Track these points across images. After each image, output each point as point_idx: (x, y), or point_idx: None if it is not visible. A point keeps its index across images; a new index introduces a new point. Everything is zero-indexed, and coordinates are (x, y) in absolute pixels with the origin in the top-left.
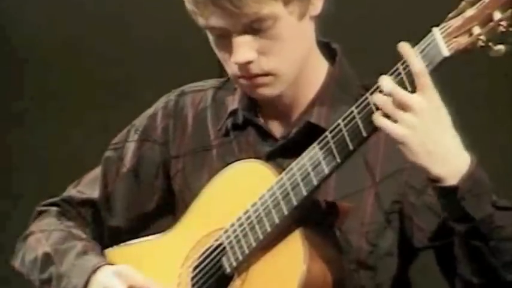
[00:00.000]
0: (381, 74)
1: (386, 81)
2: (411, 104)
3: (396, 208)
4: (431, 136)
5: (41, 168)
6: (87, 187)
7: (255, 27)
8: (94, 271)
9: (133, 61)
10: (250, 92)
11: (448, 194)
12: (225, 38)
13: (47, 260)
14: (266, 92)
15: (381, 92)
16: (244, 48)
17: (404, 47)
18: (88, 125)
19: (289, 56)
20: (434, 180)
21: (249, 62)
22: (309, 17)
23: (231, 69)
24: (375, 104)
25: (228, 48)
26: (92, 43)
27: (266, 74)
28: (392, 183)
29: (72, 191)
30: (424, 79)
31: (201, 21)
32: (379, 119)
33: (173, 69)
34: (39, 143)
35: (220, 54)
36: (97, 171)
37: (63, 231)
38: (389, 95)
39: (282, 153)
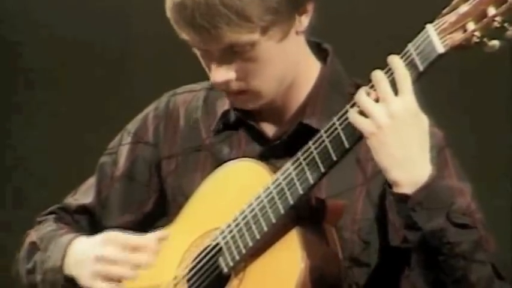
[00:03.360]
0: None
1: (377, 72)
2: (389, 101)
3: (381, 203)
4: (397, 140)
5: (41, 167)
6: (83, 194)
7: (233, 51)
8: (69, 243)
9: (134, 61)
10: (232, 103)
11: (400, 201)
12: (206, 54)
13: (33, 248)
14: (247, 105)
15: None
16: (221, 69)
17: (391, 57)
18: (88, 124)
19: (268, 76)
20: (391, 184)
21: (227, 82)
22: (294, 33)
23: (211, 79)
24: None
25: (209, 63)
26: (92, 42)
27: (244, 92)
28: (381, 179)
29: (69, 200)
30: (407, 83)
31: (182, 36)
32: (351, 113)
33: (173, 69)
34: (38, 142)
35: (203, 64)
36: (92, 179)
37: (54, 227)
38: (376, 84)
39: (274, 154)
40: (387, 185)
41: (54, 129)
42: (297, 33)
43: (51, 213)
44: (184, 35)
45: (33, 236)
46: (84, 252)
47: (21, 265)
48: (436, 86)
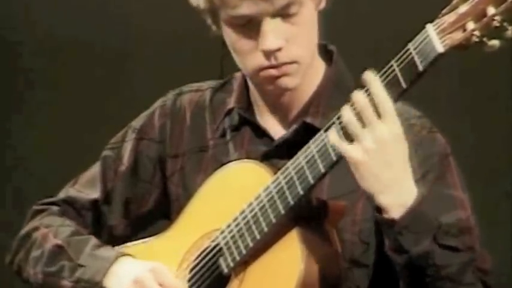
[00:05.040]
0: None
1: (360, 97)
2: (379, 132)
3: None
4: (383, 164)
5: (41, 167)
6: (86, 187)
7: (284, 13)
8: (115, 260)
9: (134, 61)
10: (271, 85)
11: (387, 226)
12: (249, 28)
13: (59, 252)
14: (288, 82)
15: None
16: (275, 35)
17: (368, 76)
18: (88, 124)
19: (310, 44)
20: (378, 209)
21: (278, 49)
22: (318, 8)
23: (255, 61)
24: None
25: (253, 38)
26: (92, 42)
27: (291, 62)
28: None
29: (70, 191)
30: (388, 107)
31: (225, 13)
32: (334, 138)
33: (173, 69)
34: (38, 142)
35: (241, 48)
36: (94, 171)
37: (70, 227)
38: (361, 110)
39: (277, 154)
40: (375, 209)
41: (54, 129)
42: (319, 11)
43: (51, 203)
44: (229, 8)
45: (48, 234)
46: (127, 272)
47: (34, 263)
48: (436, 86)
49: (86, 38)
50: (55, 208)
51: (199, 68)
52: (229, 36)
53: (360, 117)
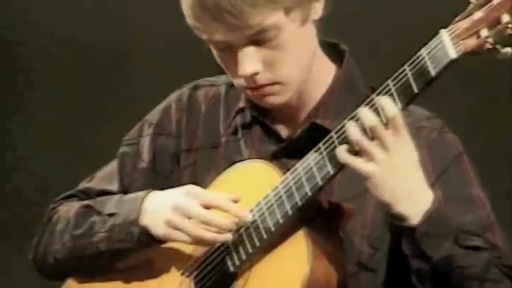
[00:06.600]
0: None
1: (369, 115)
2: (389, 144)
3: None
4: (398, 176)
5: (41, 167)
6: (103, 181)
7: (259, 39)
8: (145, 196)
9: (134, 61)
10: (258, 101)
11: (407, 234)
12: (229, 51)
13: (87, 211)
14: (274, 100)
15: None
16: (250, 61)
17: (380, 99)
18: (88, 124)
19: (294, 64)
20: (396, 218)
21: (255, 74)
22: (311, 21)
23: (238, 80)
24: (344, 139)
25: (233, 60)
26: (92, 42)
27: (273, 83)
28: None
29: (87, 185)
30: (399, 122)
31: (203, 36)
32: (343, 155)
33: (173, 69)
34: (38, 142)
35: (224, 67)
36: (110, 167)
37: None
38: (370, 128)
39: (287, 154)
40: (393, 218)
41: (54, 129)
42: (312, 22)
43: (70, 196)
44: (207, 33)
45: (70, 208)
46: (162, 202)
47: (60, 235)
48: (436, 86)
49: (85, 38)
50: (74, 198)
51: (199, 68)
52: (214, 54)
53: (366, 132)
